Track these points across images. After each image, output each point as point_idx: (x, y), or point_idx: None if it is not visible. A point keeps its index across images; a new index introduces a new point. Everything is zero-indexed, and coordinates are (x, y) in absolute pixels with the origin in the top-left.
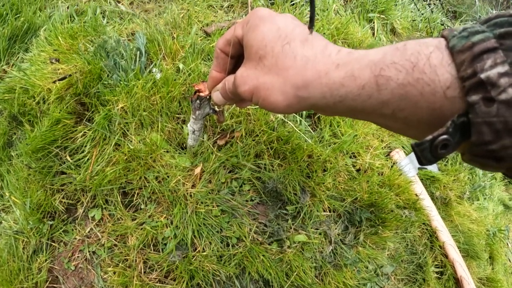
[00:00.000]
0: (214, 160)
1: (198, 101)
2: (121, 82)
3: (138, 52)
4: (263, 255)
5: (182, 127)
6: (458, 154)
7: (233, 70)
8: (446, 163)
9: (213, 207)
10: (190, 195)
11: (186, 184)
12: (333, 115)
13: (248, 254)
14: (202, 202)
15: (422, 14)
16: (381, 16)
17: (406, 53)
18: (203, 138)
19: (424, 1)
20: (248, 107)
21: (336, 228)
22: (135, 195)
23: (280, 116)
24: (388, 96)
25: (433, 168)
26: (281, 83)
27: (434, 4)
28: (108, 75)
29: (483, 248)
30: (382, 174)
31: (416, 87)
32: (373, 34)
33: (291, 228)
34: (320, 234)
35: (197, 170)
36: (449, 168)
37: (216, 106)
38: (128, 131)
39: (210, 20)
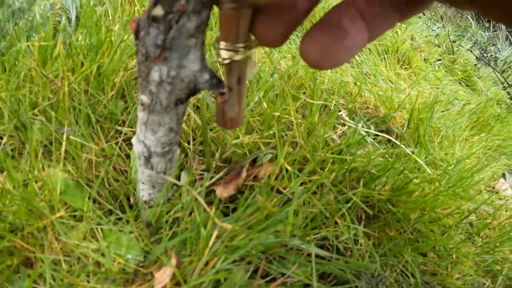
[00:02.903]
0: (211, 244)
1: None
2: None
3: None
4: None
5: (127, 156)
6: None
7: None
8: None
9: None
10: None
11: None
12: None
13: None
14: None
15: (433, 30)
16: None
17: None
18: (179, 180)
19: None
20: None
21: None
22: None
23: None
24: None
25: None
26: None
27: (438, 27)
28: None
29: None
30: None
31: None
32: None
33: None
34: None
35: (162, 277)
36: None
37: (223, 51)
38: None
39: None
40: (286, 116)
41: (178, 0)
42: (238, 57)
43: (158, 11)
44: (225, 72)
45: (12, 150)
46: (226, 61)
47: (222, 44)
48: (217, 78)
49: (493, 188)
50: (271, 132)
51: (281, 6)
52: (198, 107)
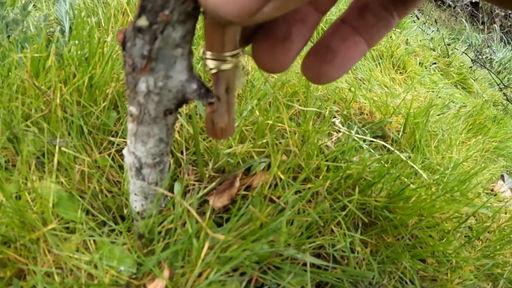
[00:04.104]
0: (203, 255)
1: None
2: None
3: None
4: None
5: (120, 167)
6: None
7: None
8: None
9: None
10: None
11: None
12: None
13: None
14: None
15: (428, 34)
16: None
17: None
18: (173, 191)
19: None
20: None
21: None
22: None
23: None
24: None
25: None
26: None
27: (433, 31)
28: None
29: None
30: None
31: None
32: None
33: None
34: None
35: None
36: None
37: (210, 61)
38: None
39: None
40: (280, 124)
41: (162, 10)
42: (225, 67)
43: (143, 21)
44: (213, 81)
45: (5, 161)
46: (213, 71)
47: (208, 54)
48: (205, 88)
49: (492, 190)
50: (264, 140)
51: (275, 35)
52: (190, 117)
